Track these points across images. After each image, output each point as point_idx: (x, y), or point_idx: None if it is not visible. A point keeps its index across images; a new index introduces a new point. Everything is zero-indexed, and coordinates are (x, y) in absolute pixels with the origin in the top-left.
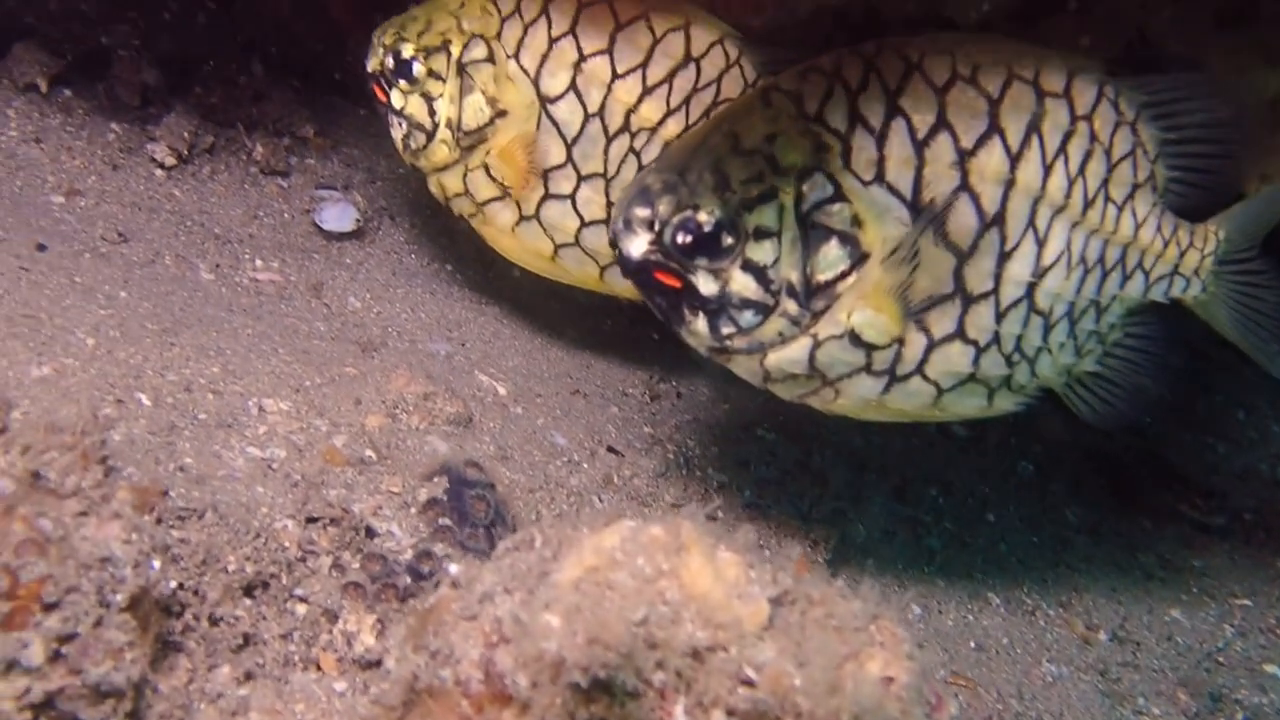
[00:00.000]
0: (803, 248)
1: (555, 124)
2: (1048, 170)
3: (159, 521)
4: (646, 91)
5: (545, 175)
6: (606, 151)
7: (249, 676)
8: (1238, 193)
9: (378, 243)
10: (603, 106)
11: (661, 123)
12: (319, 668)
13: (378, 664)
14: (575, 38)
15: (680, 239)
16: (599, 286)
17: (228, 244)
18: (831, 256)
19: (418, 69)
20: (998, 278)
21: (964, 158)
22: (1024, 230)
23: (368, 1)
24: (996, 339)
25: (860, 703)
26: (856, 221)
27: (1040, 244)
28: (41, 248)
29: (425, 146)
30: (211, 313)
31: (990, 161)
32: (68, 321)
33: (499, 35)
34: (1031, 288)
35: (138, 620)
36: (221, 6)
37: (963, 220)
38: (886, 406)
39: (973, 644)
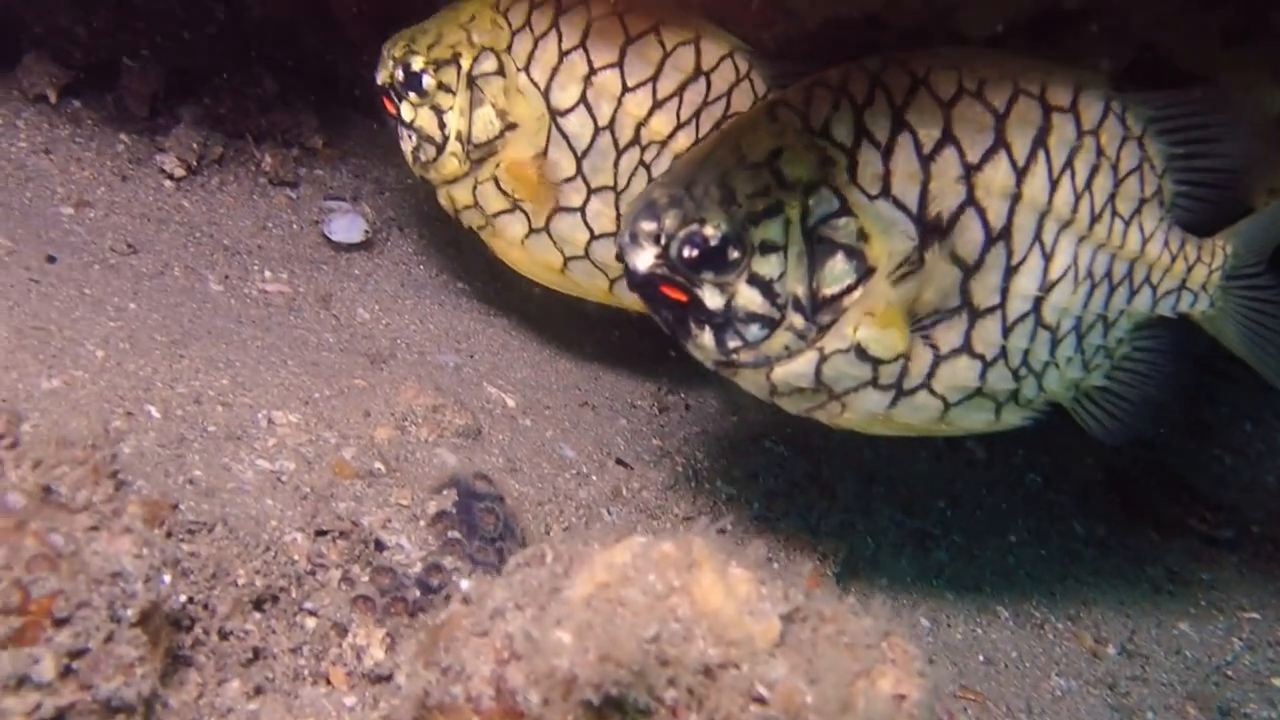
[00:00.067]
0: (808, 262)
1: (565, 137)
2: (1054, 185)
3: (169, 535)
4: (657, 105)
5: (555, 188)
6: (616, 165)
7: (259, 691)
8: (1245, 207)
9: (386, 254)
10: (613, 120)
11: (672, 136)
12: (328, 682)
13: (387, 678)
14: (586, 51)
15: (686, 253)
16: (608, 299)
17: (236, 255)
18: (837, 271)
19: (428, 81)
20: (1004, 292)
21: (970, 172)
22: (1030, 244)
23: (379, 13)
24: (1003, 353)
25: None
26: (862, 236)
27: (1047, 258)
28: (51, 259)
29: (435, 159)
30: (220, 324)
31: (996, 176)
32: (77, 333)
33: (509, 48)
34: (1038, 302)
35: (148, 635)
36: (231, 17)
37: (969, 235)
38: (893, 421)
39: (981, 657)
